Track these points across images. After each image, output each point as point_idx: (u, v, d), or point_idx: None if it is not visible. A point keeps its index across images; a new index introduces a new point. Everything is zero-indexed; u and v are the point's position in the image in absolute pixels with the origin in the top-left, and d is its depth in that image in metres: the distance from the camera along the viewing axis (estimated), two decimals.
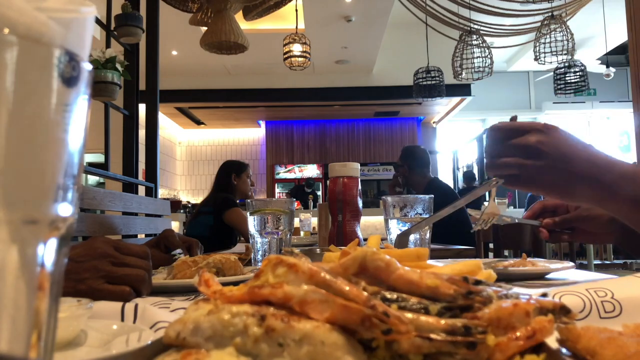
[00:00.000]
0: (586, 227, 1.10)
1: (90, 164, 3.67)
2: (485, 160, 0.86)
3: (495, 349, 0.27)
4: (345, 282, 0.28)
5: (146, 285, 0.77)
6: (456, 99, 9.32)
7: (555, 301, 0.30)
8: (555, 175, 0.80)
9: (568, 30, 4.65)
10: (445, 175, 10.81)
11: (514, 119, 0.86)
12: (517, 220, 1.17)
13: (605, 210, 0.83)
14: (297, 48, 4.80)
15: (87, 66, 0.23)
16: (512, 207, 9.78)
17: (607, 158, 0.81)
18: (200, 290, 0.32)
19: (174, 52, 7.98)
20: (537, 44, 4.75)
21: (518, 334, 0.27)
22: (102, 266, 0.73)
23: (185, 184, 11.29)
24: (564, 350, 0.32)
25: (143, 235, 2.73)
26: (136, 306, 0.57)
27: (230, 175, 3.69)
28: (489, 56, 4.95)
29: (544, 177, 0.81)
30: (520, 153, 0.81)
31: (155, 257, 1.12)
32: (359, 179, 1.48)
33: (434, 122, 11.14)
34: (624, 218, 0.81)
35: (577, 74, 5.65)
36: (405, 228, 1.15)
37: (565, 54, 4.65)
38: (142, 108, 3.34)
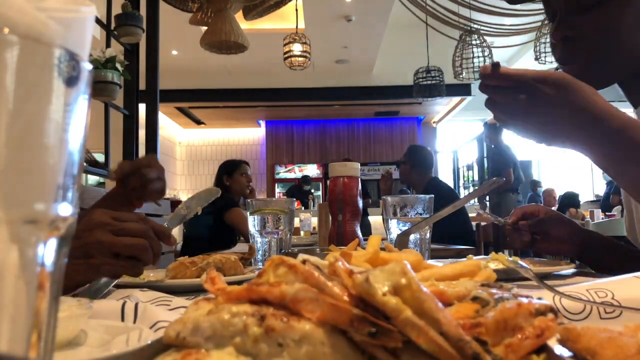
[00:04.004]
0: (556, 233, 1.13)
1: (91, 164, 3.67)
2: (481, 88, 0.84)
3: (508, 350, 0.27)
4: (337, 284, 0.28)
5: (149, 254, 0.77)
6: (456, 99, 9.32)
7: (546, 302, 0.30)
8: (564, 109, 0.79)
9: None
10: (445, 175, 10.82)
11: (496, 65, 0.84)
12: (502, 222, 1.19)
13: (593, 158, 0.83)
14: (297, 48, 4.80)
15: (87, 66, 0.23)
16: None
17: (610, 105, 0.80)
18: (205, 287, 0.32)
19: (174, 52, 7.97)
20: (538, 44, 4.75)
21: (527, 333, 0.27)
22: (103, 237, 0.74)
23: (185, 184, 11.29)
24: (564, 350, 0.32)
25: None
26: (136, 306, 0.57)
27: (222, 178, 3.71)
28: (489, 56, 4.95)
29: (545, 113, 0.80)
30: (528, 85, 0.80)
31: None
32: (359, 179, 1.48)
33: (434, 122, 11.15)
34: (604, 158, 0.82)
35: None
36: (405, 228, 1.15)
37: None
38: (142, 108, 3.34)
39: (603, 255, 1.13)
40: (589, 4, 0.97)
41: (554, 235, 1.14)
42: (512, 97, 0.81)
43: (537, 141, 0.86)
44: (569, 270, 1.01)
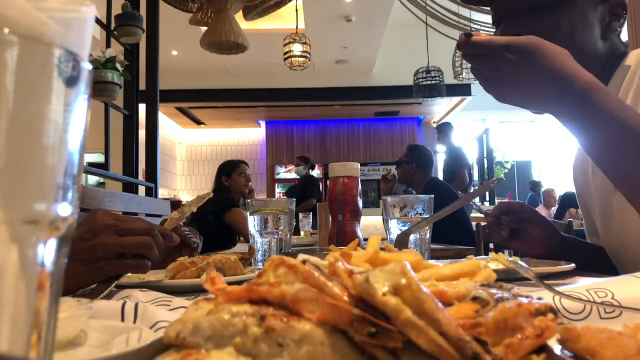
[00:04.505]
0: (534, 232, 1.15)
1: (91, 164, 3.67)
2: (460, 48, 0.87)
3: (508, 350, 0.27)
4: (337, 285, 0.28)
5: (154, 252, 0.78)
6: (456, 99, 9.32)
7: (546, 302, 0.30)
8: (529, 73, 0.81)
9: None
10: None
11: (469, 34, 0.86)
12: (485, 213, 1.21)
13: (563, 120, 0.84)
14: (297, 48, 4.80)
15: (87, 66, 0.23)
16: None
17: (578, 67, 0.82)
18: (205, 287, 0.32)
19: (174, 52, 7.98)
20: None
21: (527, 333, 0.27)
22: (108, 239, 0.75)
23: (185, 184, 11.29)
24: (564, 350, 0.32)
25: None
26: (136, 306, 0.57)
27: (220, 178, 3.72)
28: None
29: (512, 78, 0.82)
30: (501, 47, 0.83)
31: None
32: (359, 179, 1.48)
33: (434, 122, 11.14)
34: (578, 130, 0.83)
35: None
36: (405, 228, 1.15)
37: None
38: (142, 108, 3.34)
39: (580, 260, 1.14)
40: (540, 5, 1.02)
41: (532, 235, 1.15)
42: (484, 65, 0.84)
43: (521, 106, 0.88)
44: (569, 270, 1.01)
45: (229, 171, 3.73)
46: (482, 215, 1.18)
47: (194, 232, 1.21)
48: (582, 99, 0.79)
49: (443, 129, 6.23)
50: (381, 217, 1.27)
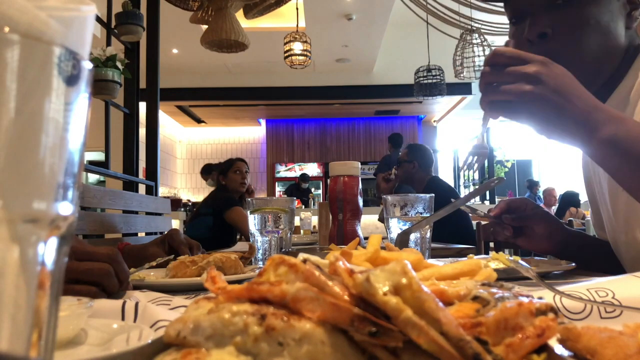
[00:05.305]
0: (538, 229, 1.14)
1: (91, 162, 3.67)
2: (480, 83, 0.86)
3: (508, 350, 0.27)
4: (338, 284, 0.28)
5: (113, 281, 0.70)
6: (457, 98, 9.32)
7: (546, 302, 0.30)
8: (548, 107, 0.80)
9: None
10: (445, 174, 10.81)
11: (508, 43, 0.85)
12: (483, 214, 1.19)
13: (584, 149, 0.84)
14: (297, 46, 4.80)
15: (87, 64, 0.23)
16: None
17: (597, 101, 0.82)
18: (205, 286, 0.32)
19: (175, 51, 7.97)
20: None
21: (528, 333, 0.27)
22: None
23: (186, 183, 11.29)
24: (564, 349, 0.32)
25: (143, 234, 2.73)
26: (137, 305, 0.57)
27: (218, 179, 3.72)
28: None
29: (537, 107, 0.81)
30: (519, 80, 0.81)
31: (157, 256, 1.11)
32: (360, 178, 1.48)
33: (434, 121, 11.14)
34: (600, 161, 0.84)
35: None
36: (406, 227, 1.15)
37: None
38: (142, 106, 3.34)
39: (584, 254, 1.14)
40: (560, 2, 0.99)
41: (536, 232, 1.15)
42: (518, 93, 0.82)
43: (547, 131, 0.86)
44: (570, 269, 1.01)
45: (225, 170, 3.74)
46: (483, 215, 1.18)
47: (197, 247, 1.22)
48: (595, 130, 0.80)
49: (394, 140, 6.75)
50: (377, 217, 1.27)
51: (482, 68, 0.88)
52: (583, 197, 8.15)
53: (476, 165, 1.01)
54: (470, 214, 3.70)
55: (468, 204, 1.13)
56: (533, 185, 9.03)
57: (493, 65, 0.84)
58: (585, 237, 1.23)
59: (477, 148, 1.00)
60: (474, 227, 3.18)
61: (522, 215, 1.15)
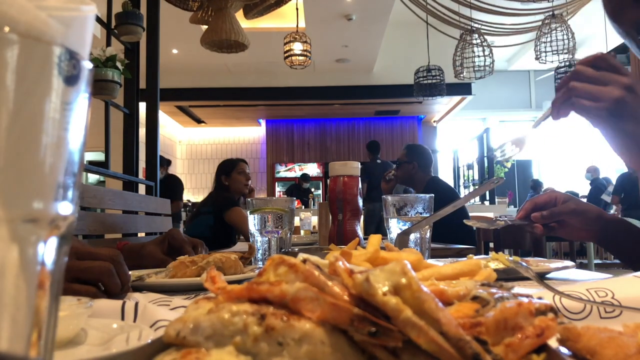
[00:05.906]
0: (573, 221, 1.11)
1: (91, 162, 3.67)
2: (571, 78, 0.86)
3: (508, 350, 0.27)
4: (338, 284, 0.28)
5: (114, 280, 0.69)
6: (457, 98, 9.32)
7: (546, 302, 0.30)
8: (631, 118, 0.82)
9: (569, 29, 4.65)
10: (445, 174, 10.81)
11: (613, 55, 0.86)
12: (509, 222, 1.16)
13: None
14: (297, 47, 4.80)
15: (87, 64, 0.23)
16: (512, 206, 9.78)
17: None
18: (205, 286, 0.32)
19: (175, 51, 7.97)
20: (538, 43, 4.74)
21: (527, 333, 0.27)
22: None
23: (186, 183, 11.26)
24: (564, 349, 0.32)
25: (143, 234, 2.73)
26: (136, 305, 0.57)
27: (220, 178, 3.70)
28: (489, 55, 4.95)
29: (620, 114, 0.82)
30: (614, 85, 0.83)
31: (155, 256, 1.11)
32: (359, 178, 1.48)
33: (434, 121, 11.14)
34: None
35: None
36: (406, 227, 1.15)
37: (566, 53, 4.65)
38: (142, 106, 3.33)
39: (622, 239, 1.11)
40: None
41: (572, 224, 1.11)
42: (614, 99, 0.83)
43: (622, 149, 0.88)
44: (569, 269, 1.01)
45: (228, 170, 3.72)
46: (487, 216, 1.17)
47: (201, 245, 1.21)
48: None
49: (372, 148, 6.92)
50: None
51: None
52: (583, 198, 8.15)
53: (512, 156, 1.01)
54: (489, 227, 3.71)
55: (480, 222, 1.11)
56: (537, 186, 9.03)
57: (593, 66, 0.85)
58: (627, 224, 1.18)
59: (518, 140, 1.00)
60: (474, 228, 3.17)
61: (553, 212, 1.11)
